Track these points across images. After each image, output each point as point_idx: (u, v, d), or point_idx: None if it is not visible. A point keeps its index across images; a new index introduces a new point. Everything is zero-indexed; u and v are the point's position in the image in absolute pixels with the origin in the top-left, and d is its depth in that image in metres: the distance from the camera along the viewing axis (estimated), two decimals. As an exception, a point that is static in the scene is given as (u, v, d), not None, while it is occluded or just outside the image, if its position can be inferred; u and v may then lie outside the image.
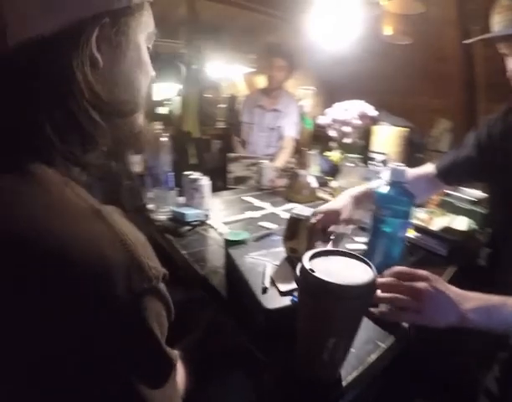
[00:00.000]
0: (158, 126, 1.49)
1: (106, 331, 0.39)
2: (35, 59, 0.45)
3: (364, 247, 0.97)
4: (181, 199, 1.42)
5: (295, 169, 1.56)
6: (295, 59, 2.42)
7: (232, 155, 2.32)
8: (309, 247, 0.74)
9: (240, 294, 0.71)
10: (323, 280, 0.48)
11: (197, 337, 0.77)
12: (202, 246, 1.07)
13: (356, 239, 1.09)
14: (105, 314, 0.39)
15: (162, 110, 2.84)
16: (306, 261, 0.51)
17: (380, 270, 0.68)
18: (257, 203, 1.49)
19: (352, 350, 0.57)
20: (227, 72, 3.06)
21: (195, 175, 1.39)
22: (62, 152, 0.47)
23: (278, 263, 0.75)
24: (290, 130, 2.47)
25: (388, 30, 1.60)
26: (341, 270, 0.52)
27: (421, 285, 0.63)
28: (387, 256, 0.81)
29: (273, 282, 0.68)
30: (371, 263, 0.54)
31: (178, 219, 1.22)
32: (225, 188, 2.19)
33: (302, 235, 0.74)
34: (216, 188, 2.35)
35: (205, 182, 1.35)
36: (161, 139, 1.51)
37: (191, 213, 1.21)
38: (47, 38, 0.44)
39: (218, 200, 1.56)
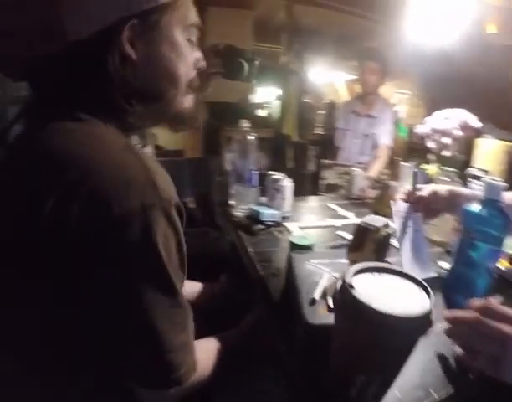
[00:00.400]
0: (246, 124, 1.51)
1: (115, 234, 0.47)
2: (79, 55, 0.57)
3: (445, 273, 0.83)
4: (264, 199, 1.41)
5: (387, 180, 1.42)
6: (389, 62, 2.28)
7: (327, 162, 2.25)
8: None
9: (289, 300, 0.65)
10: (360, 301, 0.40)
11: (241, 331, 0.81)
12: (271, 247, 1.04)
13: (440, 263, 0.94)
14: (117, 218, 0.46)
15: (262, 113, 2.92)
16: (349, 275, 0.43)
17: (459, 303, 0.56)
18: (341, 211, 1.41)
19: (397, 394, 0.47)
20: (328, 78, 3.00)
21: (278, 175, 1.37)
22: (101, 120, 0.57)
23: (337, 275, 0.67)
24: (385, 137, 2.32)
25: (492, 28, 1.37)
26: (390, 293, 0.43)
27: (510, 329, 0.49)
28: (470, 288, 0.67)
29: (324, 295, 0.61)
30: (430, 290, 0.43)
31: (254, 218, 1.21)
32: (316, 195, 2.14)
33: (368, 248, 0.65)
34: (307, 194, 2.31)
35: (287, 183, 1.32)
36: (248, 137, 1.53)
37: (267, 212, 1.19)
38: (85, 40, 0.57)
39: (303, 204, 1.52)
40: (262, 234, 1.13)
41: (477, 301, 0.52)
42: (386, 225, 0.68)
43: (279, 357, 0.61)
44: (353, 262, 0.67)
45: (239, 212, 1.35)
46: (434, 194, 0.89)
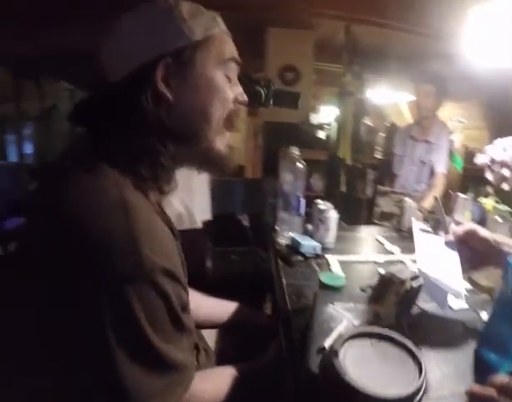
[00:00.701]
0: (295, 151, 1.53)
1: (92, 301, 0.47)
2: (114, 95, 0.60)
3: (481, 326, 0.78)
4: (310, 227, 1.41)
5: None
6: (447, 84, 2.17)
7: (382, 188, 2.18)
8: (396, 318, 0.63)
9: (303, 342, 0.66)
10: (338, 371, 0.39)
11: (258, 365, 0.82)
12: (306, 280, 1.04)
13: (481, 313, 0.86)
14: (95, 285, 0.47)
15: (321, 135, 2.92)
16: (341, 340, 0.43)
17: (490, 362, 0.52)
18: (388, 245, 1.37)
19: None
20: (392, 99, 2.91)
21: (324, 205, 1.37)
22: (130, 164, 0.58)
23: (356, 323, 0.66)
24: (441, 165, 2.22)
25: None
26: (379, 364, 0.42)
27: None
28: (505, 348, 0.61)
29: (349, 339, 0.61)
30: (423, 363, 0.41)
31: (294, 248, 1.22)
32: (370, 222, 2.08)
33: (390, 300, 0.63)
34: (358, 221, 2.25)
35: (332, 214, 1.32)
36: (298, 164, 1.55)
37: (307, 244, 1.19)
38: (122, 81, 0.59)
39: (349, 233, 1.50)
40: (299, 266, 1.14)
41: (498, 378, 0.49)
42: (415, 277, 0.66)
43: (285, 396, 0.62)
44: (374, 314, 0.65)
45: (282, 239, 1.37)
46: (471, 234, 0.80)
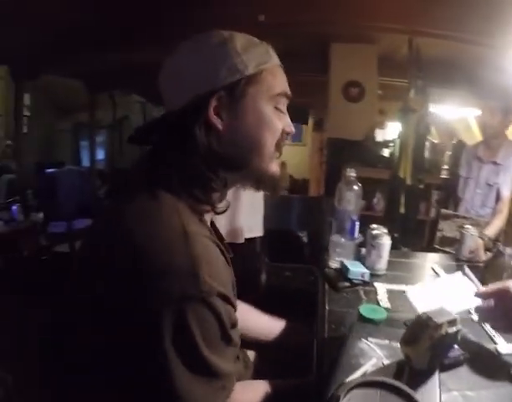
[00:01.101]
0: (352, 173, 1.51)
1: (153, 321, 0.53)
2: (172, 125, 0.65)
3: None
4: (364, 251, 1.39)
5: (499, 244, 1.24)
6: None
7: (445, 211, 2.06)
8: (429, 363, 0.61)
9: (329, 374, 0.66)
10: None
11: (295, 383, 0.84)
12: (349, 308, 1.04)
13: None
14: (157, 306, 0.53)
15: (385, 152, 2.83)
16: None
17: None
18: (443, 276, 1.29)
19: None
20: (459, 114, 2.72)
21: (378, 230, 1.33)
22: (185, 188, 0.63)
23: (388, 362, 0.65)
24: (507, 188, 2.03)
25: None
26: None
27: None
28: None
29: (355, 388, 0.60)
30: None
31: (343, 273, 1.21)
32: (429, 247, 1.98)
33: (422, 345, 0.61)
34: (418, 244, 2.15)
35: (385, 241, 1.28)
36: (354, 186, 1.53)
37: (355, 270, 1.18)
38: (177, 111, 0.64)
39: (403, 260, 1.44)
40: (345, 292, 1.13)
41: None
42: (453, 322, 0.63)
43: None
44: (406, 356, 0.64)
45: (333, 262, 1.36)
46: (504, 294, 0.75)
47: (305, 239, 2.97)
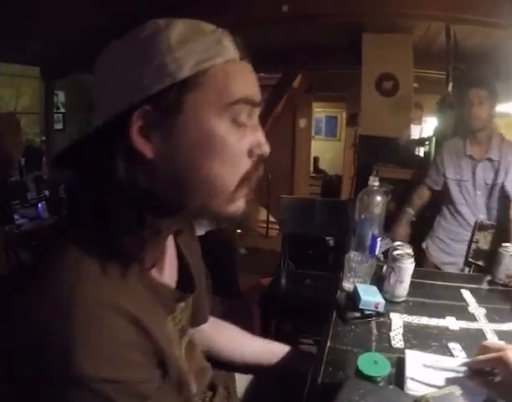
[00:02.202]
0: (375, 181, 1.38)
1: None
2: (90, 148, 0.49)
3: None
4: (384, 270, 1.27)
5: None
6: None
7: (487, 222, 1.88)
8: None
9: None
10: None
11: None
12: (355, 346, 0.93)
13: None
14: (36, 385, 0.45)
15: (420, 151, 2.65)
16: None
17: None
18: (472, 305, 1.14)
19: None
20: (502, 111, 2.47)
21: (401, 250, 1.19)
22: (98, 238, 0.49)
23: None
24: None
25: None
26: None
27: None
28: None
29: None
30: None
31: (354, 300, 1.09)
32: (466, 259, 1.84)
33: None
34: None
35: (408, 265, 1.14)
36: (377, 197, 1.40)
37: (368, 299, 1.04)
38: (98, 131, 0.49)
39: (428, 283, 1.29)
40: (354, 324, 1.02)
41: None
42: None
43: None
44: None
45: (347, 284, 1.25)
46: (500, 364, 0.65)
47: (332, 244, 2.85)
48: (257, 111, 0.55)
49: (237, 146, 0.51)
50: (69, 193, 0.57)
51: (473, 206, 2.01)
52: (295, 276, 2.31)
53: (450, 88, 2.28)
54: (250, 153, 0.53)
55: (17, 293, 0.48)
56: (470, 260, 1.88)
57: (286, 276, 2.30)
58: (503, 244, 1.45)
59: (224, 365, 0.97)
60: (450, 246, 2.11)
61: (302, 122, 5.16)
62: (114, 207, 0.48)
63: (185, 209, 0.53)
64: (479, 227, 1.85)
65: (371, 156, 2.93)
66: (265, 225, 4.75)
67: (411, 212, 2.16)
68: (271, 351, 1.02)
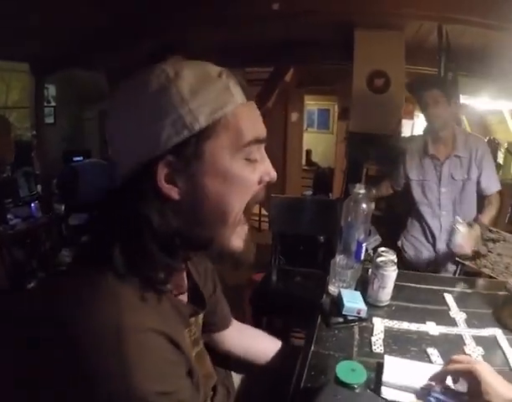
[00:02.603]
0: (360, 190, 1.43)
1: None
2: (117, 199, 0.56)
3: None
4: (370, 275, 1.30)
5: None
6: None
7: (469, 221, 1.91)
8: None
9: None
10: None
11: None
12: (337, 351, 0.98)
13: None
14: None
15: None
16: None
17: None
18: (453, 310, 1.18)
19: None
20: (493, 107, 2.52)
21: (385, 257, 1.22)
22: (132, 271, 0.55)
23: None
24: (495, 185, 1.96)
25: None
26: None
27: None
28: None
29: None
30: None
31: (338, 305, 1.12)
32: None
33: None
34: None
35: (390, 272, 1.18)
36: (362, 205, 1.45)
37: (350, 306, 1.09)
38: (123, 182, 0.56)
39: (412, 286, 1.34)
40: (338, 329, 1.07)
41: None
42: None
43: None
44: None
45: (333, 288, 1.29)
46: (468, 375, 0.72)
47: (322, 240, 2.90)
48: (264, 145, 0.62)
49: (250, 179, 0.58)
50: (96, 232, 0.60)
51: (435, 205, 2.03)
52: (286, 274, 2.36)
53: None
54: (260, 181, 0.61)
55: (62, 319, 0.53)
56: (457, 259, 1.92)
57: (277, 274, 2.36)
58: (456, 218, 1.63)
59: (234, 366, 1.08)
60: (423, 243, 2.15)
61: (294, 116, 5.18)
62: (148, 247, 0.54)
63: (208, 242, 0.60)
64: (467, 224, 1.89)
65: (361, 153, 2.97)
66: (257, 219, 4.79)
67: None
68: (273, 349, 1.10)
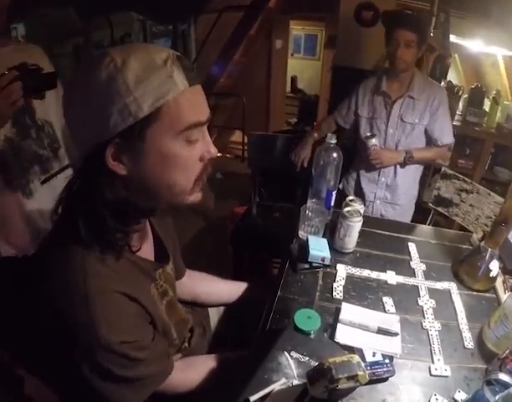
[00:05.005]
0: (332, 140, 1.45)
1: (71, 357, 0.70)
2: (77, 177, 0.68)
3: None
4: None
5: (482, 244, 1.16)
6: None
7: (447, 171, 2.00)
8: (330, 398, 0.68)
9: (236, 389, 0.75)
10: None
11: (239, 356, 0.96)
12: (302, 296, 1.07)
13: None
14: (70, 354, 0.70)
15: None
16: None
17: None
18: (415, 260, 1.25)
19: None
20: (488, 53, 2.47)
21: (351, 207, 1.28)
22: (94, 239, 0.67)
23: (297, 383, 0.73)
24: (449, 136, 1.95)
25: None
26: None
27: None
28: None
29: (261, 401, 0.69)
30: None
31: (304, 251, 1.19)
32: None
33: (318, 388, 0.64)
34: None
35: (355, 223, 1.23)
36: (333, 154, 1.49)
37: (316, 253, 1.16)
38: (79, 163, 0.66)
39: (379, 233, 1.40)
40: (303, 275, 1.16)
41: None
42: (353, 377, 0.64)
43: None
44: (308, 386, 0.69)
45: (303, 232, 1.35)
46: None
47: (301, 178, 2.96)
48: (205, 126, 0.69)
49: (190, 158, 0.67)
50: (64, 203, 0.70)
51: (381, 144, 1.99)
52: (265, 210, 2.44)
53: (431, 29, 2.20)
54: (201, 158, 0.69)
55: (40, 287, 0.70)
56: (431, 205, 2.01)
57: (256, 210, 2.44)
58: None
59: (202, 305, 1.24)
60: (363, 183, 2.13)
61: (278, 43, 4.96)
62: (103, 215, 0.65)
63: (156, 209, 0.75)
64: (442, 175, 1.96)
65: (343, 90, 2.92)
66: (241, 148, 4.78)
67: (315, 135, 2.14)
68: (233, 289, 1.27)
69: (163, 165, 0.65)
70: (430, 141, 1.98)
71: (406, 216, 2.12)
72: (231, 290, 1.27)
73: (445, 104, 1.92)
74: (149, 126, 0.61)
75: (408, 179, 2.06)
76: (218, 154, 0.74)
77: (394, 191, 2.06)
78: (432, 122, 1.92)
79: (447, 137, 1.95)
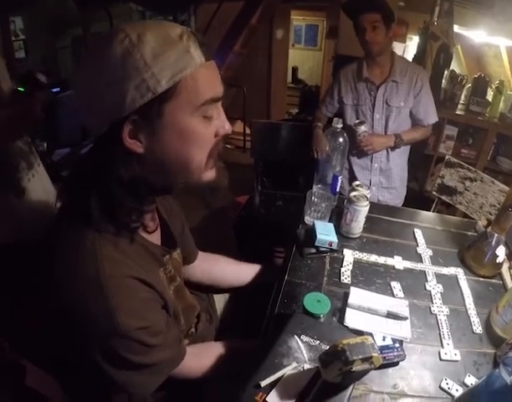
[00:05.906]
0: (338, 124, 1.44)
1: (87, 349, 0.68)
2: (90, 157, 0.66)
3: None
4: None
5: (488, 230, 1.14)
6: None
7: (451, 159, 1.98)
8: (343, 382, 0.66)
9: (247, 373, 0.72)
10: None
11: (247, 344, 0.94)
12: (309, 280, 1.06)
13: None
14: (85, 345, 0.68)
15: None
16: None
17: None
18: (421, 246, 1.24)
19: None
20: (491, 42, 2.43)
21: (358, 192, 1.25)
22: (107, 220, 0.65)
23: (308, 367, 0.71)
24: (433, 117, 1.94)
25: None
26: None
27: None
28: None
29: (272, 386, 0.67)
30: None
31: (311, 236, 1.18)
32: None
33: (333, 371, 0.62)
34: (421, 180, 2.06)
35: (362, 207, 1.21)
36: (340, 139, 1.47)
37: (323, 238, 1.15)
38: (96, 138, 0.63)
39: (385, 219, 1.39)
40: (310, 259, 1.14)
41: None
42: (368, 359, 0.61)
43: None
44: (320, 369, 0.66)
45: (309, 217, 1.34)
46: None
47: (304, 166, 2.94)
48: (220, 102, 0.67)
49: (206, 134, 0.65)
50: (73, 182, 0.68)
51: (369, 130, 1.96)
52: (268, 198, 2.42)
53: (435, 18, 2.16)
54: (216, 134, 0.68)
55: (48, 274, 0.68)
56: (434, 193, 2.00)
57: (259, 199, 2.41)
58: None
59: (212, 290, 1.22)
60: (357, 169, 2.10)
61: (279, 33, 4.90)
62: (118, 194, 0.63)
63: (171, 186, 0.71)
64: (447, 163, 1.94)
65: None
66: (242, 138, 4.73)
67: (319, 124, 2.09)
68: (246, 271, 1.25)
69: (181, 141, 0.63)
70: (415, 121, 1.98)
71: (400, 199, 2.14)
72: (247, 271, 1.26)
73: (427, 84, 1.90)
74: (167, 102, 0.59)
75: (401, 162, 2.07)
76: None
77: (389, 175, 2.05)
78: (417, 104, 1.91)
79: (431, 117, 1.95)
